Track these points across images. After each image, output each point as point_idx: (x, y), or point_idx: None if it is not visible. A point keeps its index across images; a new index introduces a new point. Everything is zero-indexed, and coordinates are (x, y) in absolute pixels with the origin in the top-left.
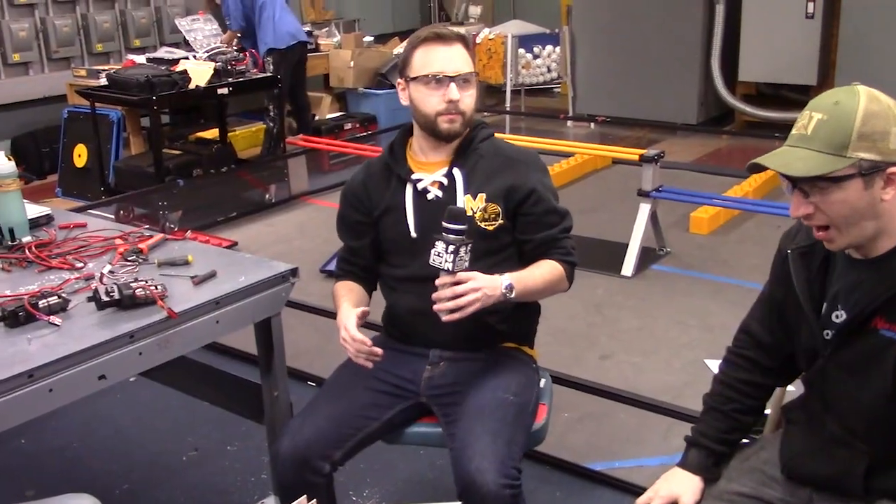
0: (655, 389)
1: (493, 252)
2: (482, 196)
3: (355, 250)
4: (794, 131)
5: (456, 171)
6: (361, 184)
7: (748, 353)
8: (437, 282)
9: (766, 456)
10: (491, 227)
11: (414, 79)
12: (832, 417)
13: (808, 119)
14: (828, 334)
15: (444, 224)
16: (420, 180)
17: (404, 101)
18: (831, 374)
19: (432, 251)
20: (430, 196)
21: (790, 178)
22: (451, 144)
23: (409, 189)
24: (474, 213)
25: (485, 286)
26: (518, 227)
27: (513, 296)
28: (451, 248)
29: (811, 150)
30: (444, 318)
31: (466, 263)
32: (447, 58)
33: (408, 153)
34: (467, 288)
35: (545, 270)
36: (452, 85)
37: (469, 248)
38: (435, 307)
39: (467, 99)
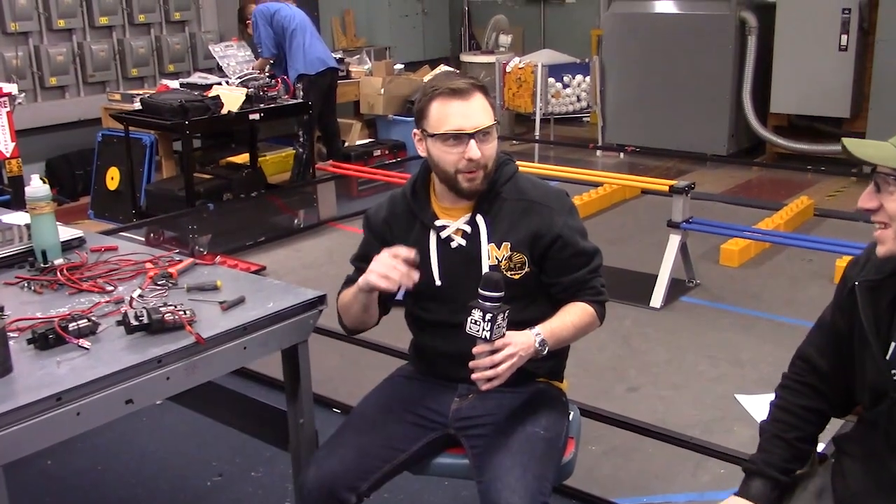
0: (684, 424)
1: (520, 297)
2: (507, 245)
3: None
4: None
5: (479, 219)
6: (384, 222)
7: (808, 379)
8: (475, 350)
9: (817, 487)
10: (517, 276)
11: (432, 135)
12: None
13: None
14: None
15: (481, 292)
16: (443, 228)
17: (422, 153)
18: None
19: (469, 319)
20: (453, 244)
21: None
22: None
23: (432, 236)
24: (499, 261)
25: (520, 349)
26: (545, 270)
27: (546, 351)
28: (489, 316)
29: None
30: (483, 387)
31: (504, 330)
32: (465, 113)
33: (431, 195)
34: (505, 355)
35: (576, 315)
36: (472, 142)
37: (507, 314)
38: (473, 376)
39: (488, 152)
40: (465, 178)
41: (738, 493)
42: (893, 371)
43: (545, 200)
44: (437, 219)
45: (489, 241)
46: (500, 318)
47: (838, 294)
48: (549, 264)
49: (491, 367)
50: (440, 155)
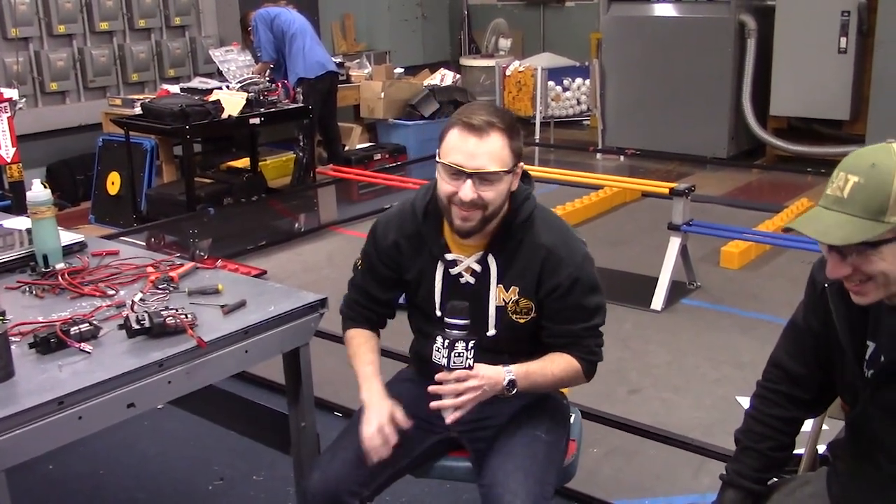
0: (685, 426)
1: (524, 340)
2: (515, 289)
3: (379, 300)
4: (828, 192)
5: (491, 260)
6: (394, 245)
7: (781, 387)
8: (437, 377)
9: (811, 490)
10: (523, 321)
11: (439, 161)
12: (885, 458)
13: (844, 181)
14: (869, 374)
15: (446, 320)
16: (453, 263)
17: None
18: (874, 416)
19: (433, 346)
20: (462, 280)
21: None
22: (487, 227)
23: (440, 268)
24: (506, 304)
25: (486, 383)
26: (542, 314)
27: (514, 392)
28: (447, 343)
29: (847, 214)
30: (448, 418)
31: (469, 360)
32: (471, 152)
33: (445, 223)
34: (466, 387)
35: (559, 367)
36: (468, 182)
37: (471, 344)
38: (432, 404)
39: (489, 195)
40: (459, 214)
41: (715, 502)
42: (870, 371)
43: (556, 249)
44: (449, 252)
45: (498, 283)
46: (460, 346)
47: (809, 296)
48: (545, 308)
49: (455, 397)
50: (440, 183)
